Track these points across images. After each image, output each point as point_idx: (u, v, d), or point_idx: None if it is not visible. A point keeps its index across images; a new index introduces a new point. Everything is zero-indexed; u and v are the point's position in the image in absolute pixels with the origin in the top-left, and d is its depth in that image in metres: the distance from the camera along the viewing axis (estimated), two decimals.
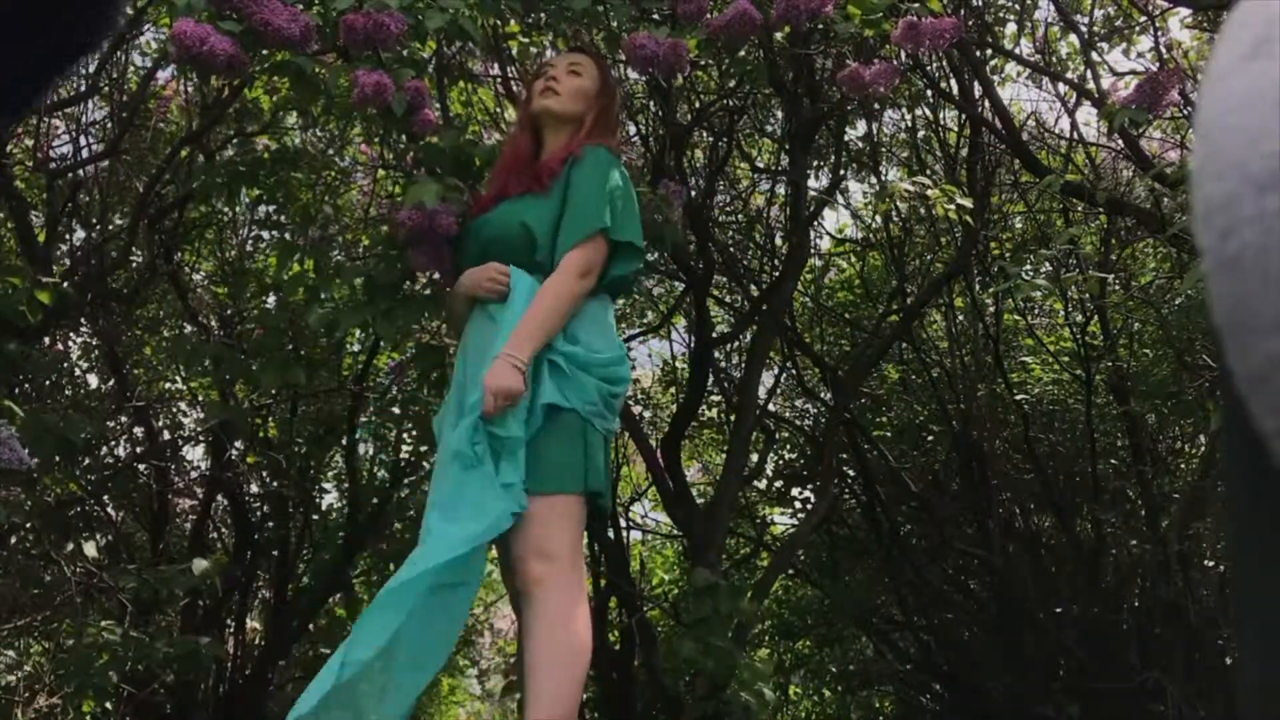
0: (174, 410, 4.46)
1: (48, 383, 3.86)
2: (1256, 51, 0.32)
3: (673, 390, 5.17)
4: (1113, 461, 4.58)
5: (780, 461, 5.15)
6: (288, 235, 3.51)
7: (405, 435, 4.45)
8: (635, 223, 2.11)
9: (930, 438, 4.83)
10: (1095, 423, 4.30)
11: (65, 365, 3.99)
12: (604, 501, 2.01)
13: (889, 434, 4.98)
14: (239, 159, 2.94)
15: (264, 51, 2.24)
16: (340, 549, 4.26)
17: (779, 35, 2.91)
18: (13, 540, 3.57)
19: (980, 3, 3.78)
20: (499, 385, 1.88)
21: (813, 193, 4.14)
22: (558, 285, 1.99)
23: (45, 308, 2.70)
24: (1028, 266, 4.20)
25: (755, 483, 4.98)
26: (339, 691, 1.74)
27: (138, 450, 4.11)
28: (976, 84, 3.82)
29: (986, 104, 3.77)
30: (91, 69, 3.41)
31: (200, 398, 4.40)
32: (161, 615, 3.87)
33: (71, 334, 4.05)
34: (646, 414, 5.20)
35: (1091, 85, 3.46)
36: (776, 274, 4.08)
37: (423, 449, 4.17)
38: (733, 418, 4.32)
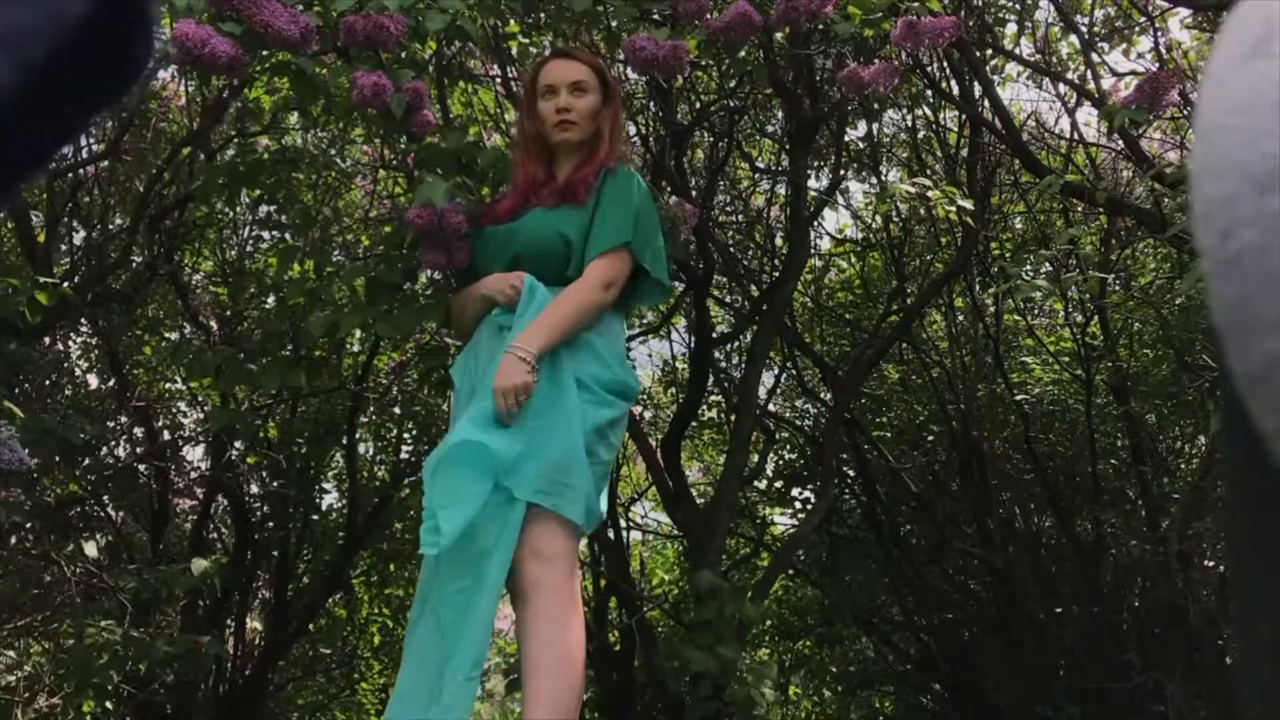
0: (174, 410, 4.46)
1: (48, 383, 3.86)
2: (1256, 51, 0.32)
3: (673, 390, 5.17)
4: (1113, 461, 4.58)
5: (780, 461, 5.15)
6: (288, 237, 3.51)
7: (405, 435, 4.46)
8: (662, 258, 2.14)
9: (930, 438, 4.83)
10: (1095, 423, 4.30)
11: (65, 365, 3.99)
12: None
13: (889, 434, 4.98)
14: (239, 159, 2.94)
15: (264, 52, 2.24)
16: (340, 549, 4.26)
17: (779, 36, 2.91)
18: (13, 540, 3.58)
19: (980, 3, 3.78)
20: (508, 384, 1.88)
21: (813, 193, 4.14)
22: (579, 292, 2.01)
23: (45, 308, 2.70)
24: (1028, 267, 4.20)
25: (755, 483, 4.98)
26: None
27: (138, 450, 4.11)
28: (976, 84, 3.81)
29: (986, 104, 3.77)
30: None
31: (200, 398, 4.41)
32: (161, 615, 3.88)
33: (71, 334, 4.06)
34: (646, 414, 5.20)
35: (1091, 85, 3.46)
36: (776, 274, 4.08)
37: (423, 449, 4.17)
38: (733, 418, 4.31)
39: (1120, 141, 3.56)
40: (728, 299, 4.81)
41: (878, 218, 4.68)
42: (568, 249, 2.05)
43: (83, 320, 3.88)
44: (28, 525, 3.37)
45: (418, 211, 2.12)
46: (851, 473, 4.82)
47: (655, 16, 2.36)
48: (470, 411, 1.92)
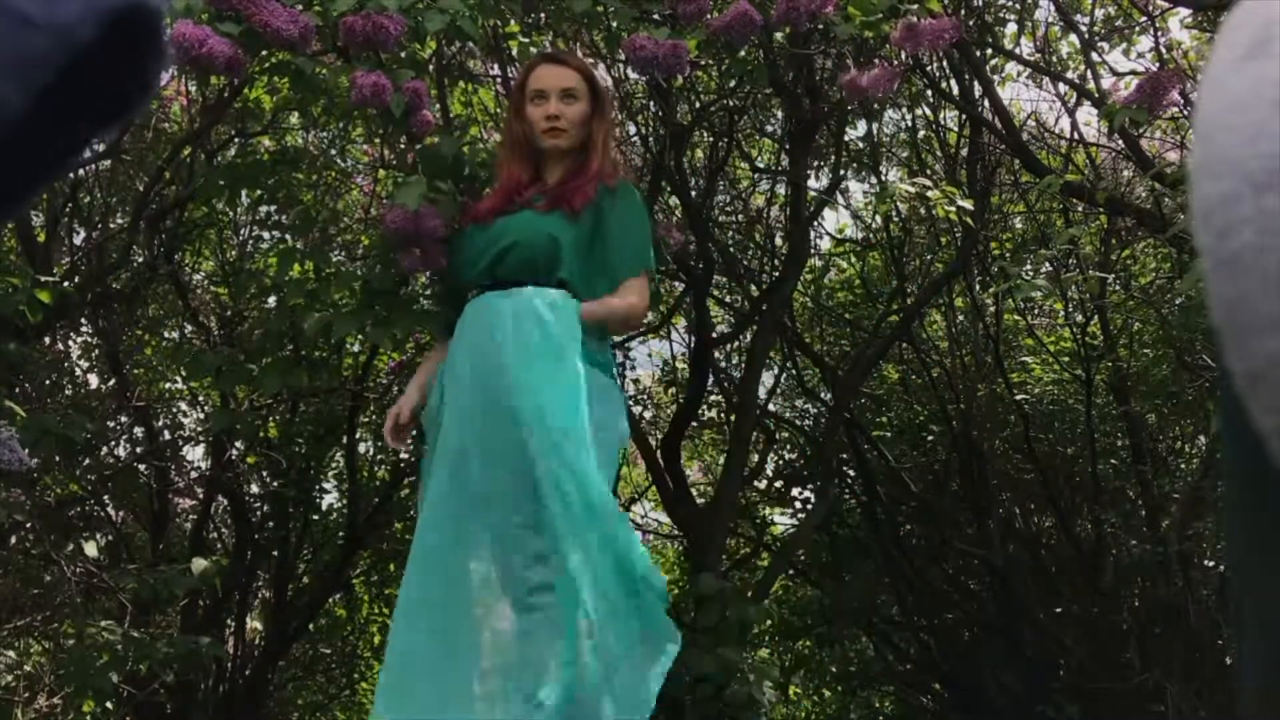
0: (174, 410, 4.46)
1: (48, 383, 3.86)
2: (1255, 52, 0.32)
3: (673, 390, 5.17)
4: (1113, 461, 4.58)
5: (780, 461, 5.15)
6: (288, 238, 3.51)
7: None
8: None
9: (930, 438, 4.83)
10: (1095, 423, 4.30)
11: (65, 365, 3.99)
12: None
13: (889, 434, 4.98)
14: (240, 160, 2.94)
15: (264, 52, 2.24)
16: (340, 549, 4.26)
17: (779, 35, 2.91)
18: (13, 540, 3.57)
19: (980, 3, 3.78)
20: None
21: (813, 193, 4.14)
22: (634, 304, 2.09)
23: (45, 308, 2.70)
24: (1028, 266, 4.20)
25: (755, 483, 4.98)
26: None
27: (138, 450, 4.11)
28: (976, 84, 3.81)
29: (986, 104, 3.76)
30: None
31: (200, 398, 4.41)
32: (161, 615, 3.87)
33: (71, 334, 4.06)
34: (646, 414, 5.20)
35: (1091, 85, 3.46)
36: (776, 274, 4.08)
37: (423, 447, 4.16)
38: (733, 418, 4.31)
39: (1120, 141, 3.56)
40: (728, 299, 4.81)
41: (878, 218, 4.68)
42: (558, 253, 2.05)
43: (83, 320, 3.88)
44: (28, 525, 3.37)
45: (394, 215, 2.12)
46: (851, 473, 4.82)
47: (655, 17, 2.36)
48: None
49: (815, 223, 4.39)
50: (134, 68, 0.41)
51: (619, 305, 2.08)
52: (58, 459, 3.34)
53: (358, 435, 4.19)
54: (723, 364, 4.72)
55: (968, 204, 2.72)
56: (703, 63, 3.27)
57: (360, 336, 3.74)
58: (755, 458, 4.55)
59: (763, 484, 5.13)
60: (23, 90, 0.36)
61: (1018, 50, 4.02)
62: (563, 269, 2.05)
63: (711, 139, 4.14)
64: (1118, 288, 4.35)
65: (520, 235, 2.07)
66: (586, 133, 2.17)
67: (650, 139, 3.92)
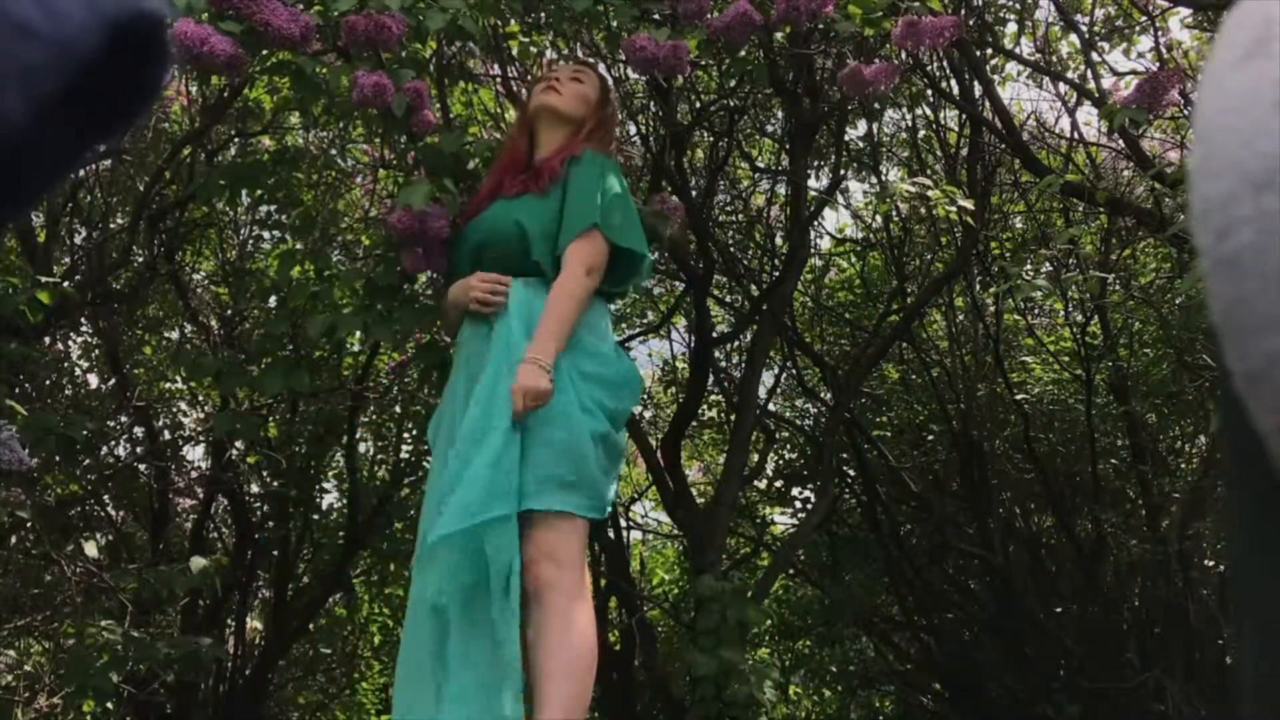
0: (174, 410, 4.46)
1: (48, 383, 3.86)
2: (1254, 51, 0.32)
3: (673, 390, 5.17)
4: (1113, 461, 4.58)
5: (780, 461, 5.15)
6: (288, 238, 3.51)
7: (405, 435, 4.46)
8: (638, 230, 2.11)
9: (930, 438, 4.83)
10: (1095, 423, 4.30)
11: (65, 365, 3.99)
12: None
13: (889, 434, 4.98)
14: (240, 160, 2.94)
15: (264, 51, 2.24)
16: (340, 549, 4.26)
17: (779, 35, 2.91)
18: (13, 540, 3.58)
19: (980, 2, 3.78)
20: (527, 386, 1.87)
21: (813, 193, 4.14)
22: (569, 284, 1.99)
23: (45, 308, 2.70)
24: (1028, 266, 4.20)
25: (755, 483, 4.98)
26: None
27: (138, 450, 4.11)
28: (976, 84, 3.81)
29: (987, 104, 3.76)
30: None
31: (200, 398, 4.41)
32: (161, 615, 3.88)
33: (71, 334, 4.06)
34: (646, 414, 5.20)
35: (1092, 85, 3.46)
36: (776, 274, 4.08)
37: (423, 448, 4.17)
38: (733, 418, 4.31)
39: (1120, 141, 3.56)
40: (728, 299, 4.81)
41: (878, 217, 4.68)
42: (524, 238, 2.04)
43: (83, 320, 3.88)
44: (28, 525, 3.37)
45: (399, 215, 2.13)
46: (851, 473, 4.82)
47: (655, 16, 2.36)
48: (460, 436, 1.91)
49: (815, 223, 4.39)
50: (137, 75, 0.41)
51: (553, 307, 1.96)
52: (58, 459, 3.34)
53: (358, 435, 4.19)
54: (723, 364, 4.72)
55: (968, 204, 2.72)
56: (703, 63, 3.27)
57: (361, 336, 3.75)
58: (755, 458, 4.55)
59: (763, 484, 5.13)
60: (24, 101, 0.36)
61: (1018, 50, 4.02)
62: (533, 251, 2.04)
63: (711, 139, 4.14)
64: (1118, 288, 4.35)
65: (490, 229, 2.09)
66: (581, 115, 2.20)
67: (650, 139, 3.92)
